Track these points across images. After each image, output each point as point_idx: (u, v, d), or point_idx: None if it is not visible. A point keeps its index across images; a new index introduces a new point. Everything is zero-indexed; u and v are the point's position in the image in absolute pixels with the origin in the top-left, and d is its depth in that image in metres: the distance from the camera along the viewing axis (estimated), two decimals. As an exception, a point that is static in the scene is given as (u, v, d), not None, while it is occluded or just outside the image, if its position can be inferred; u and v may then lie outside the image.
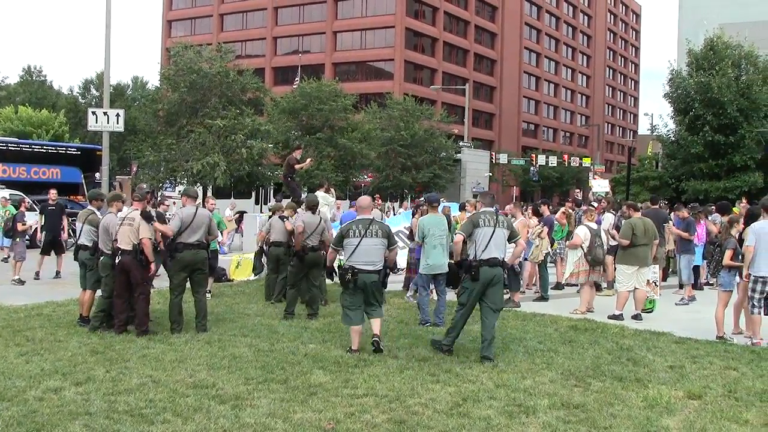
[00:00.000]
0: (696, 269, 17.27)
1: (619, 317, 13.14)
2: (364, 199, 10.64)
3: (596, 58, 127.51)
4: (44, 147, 37.64)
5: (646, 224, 13.47)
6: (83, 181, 32.19)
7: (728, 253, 11.32)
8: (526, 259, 15.71)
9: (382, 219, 15.55)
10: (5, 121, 62.61)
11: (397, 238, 16.13)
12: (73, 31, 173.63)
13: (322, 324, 12.08)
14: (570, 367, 9.39)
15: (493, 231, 9.80)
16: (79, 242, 12.40)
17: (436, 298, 12.81)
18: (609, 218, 17.54)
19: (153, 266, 11.28)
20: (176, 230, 11.21)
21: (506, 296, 14.78)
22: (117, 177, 53.64)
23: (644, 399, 7.98)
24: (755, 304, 11.00)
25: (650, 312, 13.62)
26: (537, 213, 15.67)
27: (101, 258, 11.56)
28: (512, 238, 10.17)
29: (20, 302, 13.97)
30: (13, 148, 33.89)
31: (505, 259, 10.14)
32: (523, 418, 7.26)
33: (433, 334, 11.11)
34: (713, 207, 19.57)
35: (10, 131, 58.17)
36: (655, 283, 14.64)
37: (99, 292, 11.82)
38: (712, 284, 17.61)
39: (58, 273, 18.59)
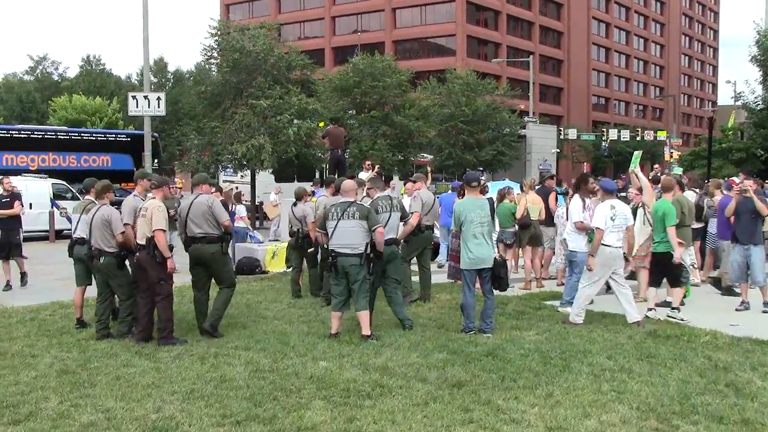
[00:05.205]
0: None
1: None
2: (347, 183, 10.50)
3: (671, 25, 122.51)
4: (94, 135, 37.10)
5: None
6: (135, 168, 30.94)
7: None
8: None
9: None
10: (59, 110, 62.00)
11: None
12: (132, 18, 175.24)
13: (345, 327, 10.14)
14: (648, 397, 7.07)
15: (389, 216, 10.74)
16: (75, 236, 10.98)
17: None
18: (690, 196, 15.25)
19: (170, 263, 9.69)
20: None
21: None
22: (174, 162, 52.55)
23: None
24: None
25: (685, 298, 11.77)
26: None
27: (102, 258, 10.08)
28: (403, 218, 11.18)
29: (25, 302, 12.67)
30: (62, 137, 33.42)
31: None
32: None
33: (476, 345, 9.07)
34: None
35: (65, 120, 57.48)
36: (693, 266, 13.73)
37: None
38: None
39: (8, 284, 14.56)
